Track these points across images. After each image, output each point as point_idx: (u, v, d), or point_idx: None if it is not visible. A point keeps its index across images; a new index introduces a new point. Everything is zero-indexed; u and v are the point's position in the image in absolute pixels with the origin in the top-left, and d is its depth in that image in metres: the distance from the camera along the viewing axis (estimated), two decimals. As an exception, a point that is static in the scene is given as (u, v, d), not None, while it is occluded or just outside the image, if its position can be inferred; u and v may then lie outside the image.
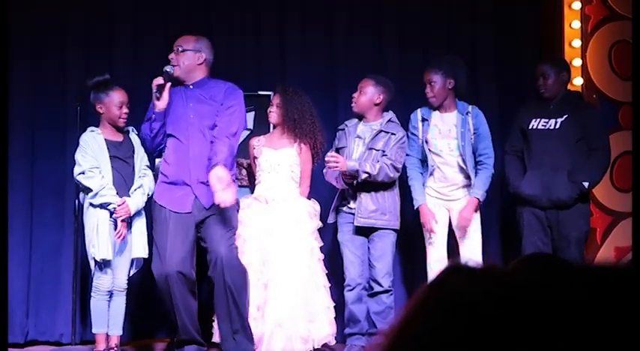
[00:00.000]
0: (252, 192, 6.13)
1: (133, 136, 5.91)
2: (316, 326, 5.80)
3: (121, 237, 5.66)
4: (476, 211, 6.08)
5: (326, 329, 5.85)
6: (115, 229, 5.67)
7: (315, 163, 6.13)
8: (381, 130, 5.99)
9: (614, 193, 6.74)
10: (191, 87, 5.70)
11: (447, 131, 6.11)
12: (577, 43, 6.78)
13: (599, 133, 6.16)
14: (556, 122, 6.09)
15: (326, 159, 5.88)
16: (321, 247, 5.96)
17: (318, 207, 6.04)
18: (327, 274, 5.94)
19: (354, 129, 6.06)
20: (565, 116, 6.08)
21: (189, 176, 5.57)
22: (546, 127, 6.09)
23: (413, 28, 6.92)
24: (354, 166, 5.84)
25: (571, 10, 6.82)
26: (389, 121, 6.04)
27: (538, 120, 6.13)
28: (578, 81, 6.76)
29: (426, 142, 6.12)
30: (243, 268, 5.60)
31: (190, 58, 5.69)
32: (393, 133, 5.99)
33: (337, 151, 6.06)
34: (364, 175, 5.85)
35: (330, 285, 5.95)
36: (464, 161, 6.03)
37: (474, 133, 6.10)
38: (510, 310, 0.73)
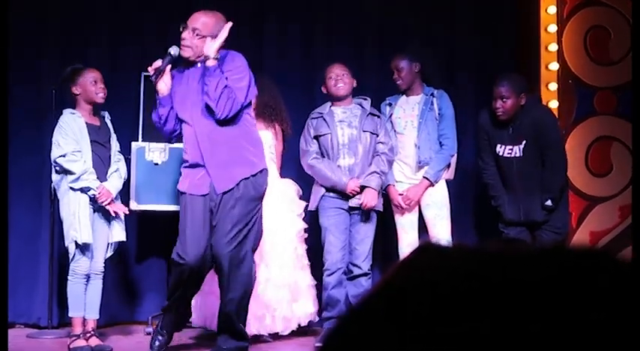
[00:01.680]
0: None
1: (108, 121, 5.90)
2: (300, 305, 5.95)
3: (117, 213, 5.71)
4: (427, 188, 6.16)
5: (309, 307, 6.00)
6: (94, 212, 5.67)
7: (284, 146, 6.28)
8: (370, 113, 6.06)
9: (589, 178, 6.79)
10: (198, 65, 5.32)
11: (410, 110, 6.22)
12: (553, 28, 6.82)
13: (553, 146, 5.98)
14: (519, 149, 5.96)
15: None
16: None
17: (298, 187, 6.22)
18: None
19: (332, 114, 6.08)
20: (524, 142, 5.94)
21: (202, 158, 5.28)
22: (511, 155, 5.99)
23: (391, 11, 6.93)
24: (377, 188, 6.00)
25: (547, -5, 6.85)
26: (370, 105, 6.12)
27: (503, 147, 6.01)
28: (553, 66, 6.79)
29: (392, 123, 6.20)
30: (247, 272, 5.27)
31: (205, 42, 5.26)
32: (377, 116, 6.10)
33: (316, 138, 6.08)
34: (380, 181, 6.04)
35: (309, 263, 6.08)
36: (417, 137, 6.13)
37: (439, 114, 6.18)
38: (474, 286, 0.74)
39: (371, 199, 5.94)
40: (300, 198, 6.20)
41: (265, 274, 5.80)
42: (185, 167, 5.39)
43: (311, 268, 6.13)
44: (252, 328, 5.73)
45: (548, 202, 5.95)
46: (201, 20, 5.28)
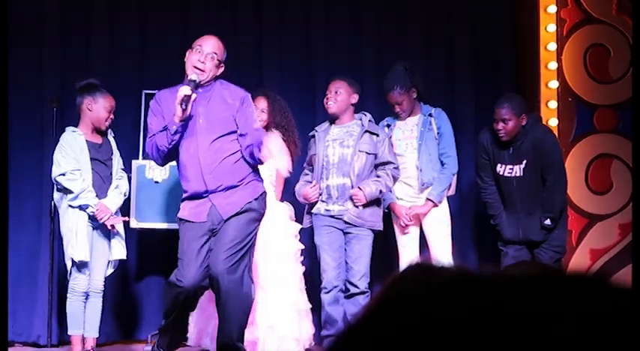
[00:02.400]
0: None
1: (111, 139, 5.91)
2: (302, 327, 5.88)
3: (116, 224, 5.72)
4: (428, 211, 6.13)
5: (309, 330, 5.93)
6: (94, 230, 5.67)
7: (292, 172, 6.14)
8: (367, 131, 5.96)
9: (589, 196, 6.79)
10: (200, 90, 5.21)
11: (409, 131, 6.19)
12: (552, 46, 6.83)
13: (553, 166, 5.99)
14: (519, 169, 5.99)
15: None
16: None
17: (292, 209, 6.12)
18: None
19: (325, 134, 6.03)
20: (524, 161, 5.96)
21: (205, 188, 5.18)
22: (512, 175, 6.02)
23: (390, 30, 6.96)
24: (373, 194, 5.87)
25: (547, 13, 6.86)
26: (369, 121, 6.04)
27: (503, 167, 6.03)
28: (553, 84, 6.80)
29: (391, 145, 6.17)
30: (245, 294, 5.20)
31: (218, 68, 5.25)
32: (376, 134, 5.97)
33: (311, 158, 6.07)
34: (380, 194, 5.92)
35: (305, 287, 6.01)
36: (419, 159, 6.11)
37: (438, 133, 6.17)
38: (464, 314, 0.74)
39: (361, 196, 5.83)
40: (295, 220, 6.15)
41: (262, 297, 5.72)
42: (186, 198, 5.27)
43: (307, 291, 6.08)
44: (258, 349, 5.69)
45: (547, 222, 5.94)
46: (218, 45, 5.23)
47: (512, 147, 5.96)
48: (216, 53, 5.20)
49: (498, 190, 6.09)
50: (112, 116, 5.82)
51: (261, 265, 5.76)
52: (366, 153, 5.90)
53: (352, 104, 6.01)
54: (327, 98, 5.98)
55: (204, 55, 5.18)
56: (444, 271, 0.80)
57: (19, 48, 6.53)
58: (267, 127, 5.95)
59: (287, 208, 6.09)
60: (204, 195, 5.18)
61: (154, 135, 5.21)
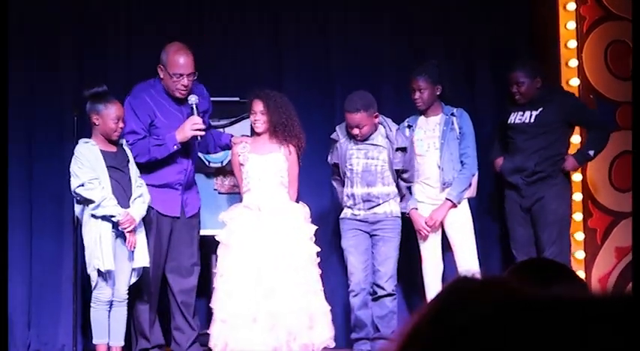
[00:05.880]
0: (241, 200, 6.04)
1: (125, 147, 5.89)
2: (316, 332, 5.76)
3: (133, 246, 5.66)
4: (448, 209, 6.15)
5: (325, 333, 5.81)
6: (116, 238, 5.67)
7: (300, 164, 6.08)
8: (398, 148, 6.00)
9: (613, 194, 6.73)
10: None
11: (431, 131, 6.20)
12: (572, 43, 6.79)
13: (587, 112, 6.38)
14: (531, 115, 6.20)
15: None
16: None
17: (308, 210, 6.01)
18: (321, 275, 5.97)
19: (347, 142, 6.02)
20: (540, 109, 6.19)
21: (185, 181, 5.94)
22: (522, 121, 6.22)
23: (408, 31, 6.93)
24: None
25: (566, 11, 6.82)
26: (396, 134, 6.03)
27: (516, 114, 6.26)
28: (574, 82, 6.76)
29: (412, 144, 6.17)
30: None
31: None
32: (403, 149, 6.02)
33: (335, 165, 6.08)
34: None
35: (322, 288, 5.91)
36: (440, 158, 6.11)
37: (460, 133, 6.17)
38: (507, 332, 0.73)
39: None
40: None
41: (273, 302, 5.64)
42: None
43: (326, 293, 6.04)
44: None
45: (591, 152, 6.19)
46: (190, 62, 5.79)
47: (530, 101, 6.22)
48: (192, 72, 5.75)
49: (508, 145, 6.34)
50: (120, 125, 5.75)
51: (274, 269, 5.68)
52: (397, 170, 6.04)
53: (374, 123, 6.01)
54: (354, 134, 5.96)
55: (185, 78, 5.74)
56: (481, 290, 0.78)
57: (36, 57, 6.54)
58: (268, 129, 5.92)
59: (302, 209, 5.99)
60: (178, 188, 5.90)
61: (143, 137, 5.80)
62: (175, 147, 5.76)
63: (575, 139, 6.63)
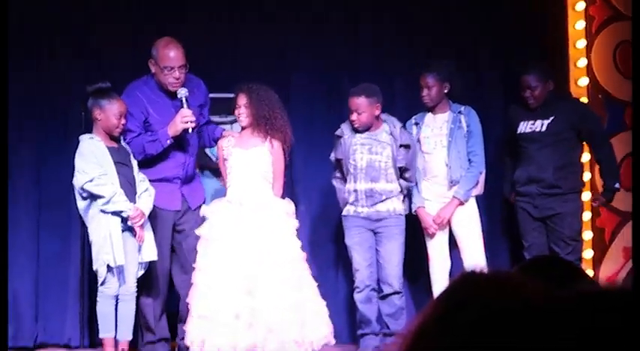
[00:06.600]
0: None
1: (124, 144, 5.89)
2: (310, 329, 5.64)
3: (142, 240, 5.68)
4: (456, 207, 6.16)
5: (322, 330, 5.70)
6: (123, 231, 5.67)
7: (287, 159, 6.03)
8: (401, 145, 6.01)
9: (622, 193, 6.70)
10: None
11: (438, 129, 6.20)
12: (581, 43, 6.79)
13: (595, 123, 6.31)
14: (542, 124, 6.16)
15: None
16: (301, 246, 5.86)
17: (293, 206, 5.92)
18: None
19: (351, 138, 6.04)
20: (552, 117, 6.14)
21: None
22: (533, 130, 6.17)
23: (417, 29, 6.94)
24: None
25: (575, 11, 6.83)
26: (400, 131, 6.04)
27: (526, 123, 6.21)
28: (583, 81, 6.76)
29: (419, 141, 6.17)
30: None
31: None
32: (407, 146, 6.03)
33: (337, 161, 6.08)
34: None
35: (317, 284, 5.83)
36: (448, 156, 6.12)
37: (467, 131, 6.18)
38: (515, 322, 0.73)
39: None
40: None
41: (260, 299, 5.54)
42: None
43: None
44: None
45: (617, 185, 6.18)
46: (180, 55, 5.84)
47: (540, 108, 6.18)
48: (183, 64, 5.80)
49: (518, 151, 6.29)
50: (123, 121, 5.75)
51: (256, 265, 5.58)
52: (401, 168, 6.04)
53: (376, 116, 6.03)
54: (352, 119, 6.00)
55: (177, 71, 5.79)
56: (487, 284, 0.79)
57: (41, 56, 6.56)
58: (252, 123, 5.87)
59: (285, 205, 5.88)
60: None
61: (138, 135, 5.86)
62: (169, 141, 5.80)
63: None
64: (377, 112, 6.01)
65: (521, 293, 0.76)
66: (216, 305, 5.55)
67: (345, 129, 6.08)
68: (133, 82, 5.99)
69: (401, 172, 6.05)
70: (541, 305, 0.75)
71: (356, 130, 6.02)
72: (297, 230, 5.85)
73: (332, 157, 6.14)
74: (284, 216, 5.80)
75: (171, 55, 5.79)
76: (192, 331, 5.61)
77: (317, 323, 5.69)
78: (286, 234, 5.76)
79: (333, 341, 5.80)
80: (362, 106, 5.95)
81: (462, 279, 0.80)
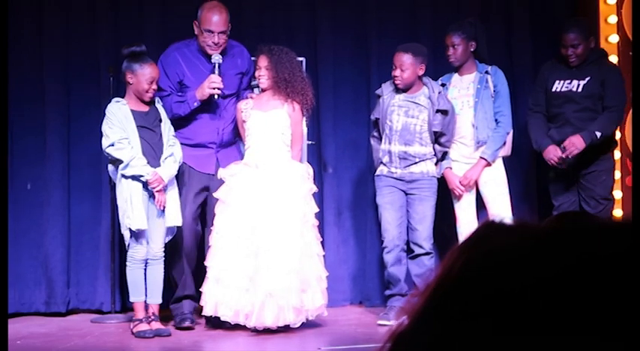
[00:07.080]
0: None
1: (159, 106, 5.91)
2: (309, 296, 5.61)
3: (162, 206, 5.69)
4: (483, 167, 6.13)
5: (318, 300, 5.65)
6: (150, 198, 5.70)
7: (307, 121, 6.01)
8: (438, 110, 6.00)
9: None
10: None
11: (465, 89, 6.16)
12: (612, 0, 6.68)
13: (616, 94, 6.07)
14: (578, 85, 6.06)
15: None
16: (316, 214, 5.83)
17: (311, 170, 5.91)
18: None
19: (390, 98, 6.03)
20: (587, 78, 6.05)
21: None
22: (569, 89, 6.08)
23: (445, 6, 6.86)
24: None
25: (605, -33, 6.71)
26: (438, 96, 6.02)
27: (562, 82, 6.11)
28: (614, 38, 6.66)
29: (454, 110, 6.14)
30: None
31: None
32: (444, 112, 6.00)
33: (376, 120, 6.08)
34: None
35: (324, 253, 5.83)
36: (475, 117, 6.07)
37: (494, 91, 6.12)
38: (542, 267, 0.72)
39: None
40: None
41: (263, 261, 5.51)
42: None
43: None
44: (252, 318, 5.50)
45: (598, 133, 5.94)
46: (223, 20, 5.85)
47: (577, 67, 6.07)
48: (224, 30, 5.79)
49: (550, 110, 6.15)
50: (154, 86, 5.77)
51: (263, 227, 5.56)
52: (435, 133, 6.03)
53: (419, 76, 6.01)
54: (394, 75, 5.97)
55: (216, 36, 5.78)
56: (513, 230, 0.77)
57: (72, 19, 6.55)
58: (273, 85, 5.82)
59: (303, 168, 5.86)
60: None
61: (168, 95, 5.91)
62: (196, 104, 5.84)
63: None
64: (420, 73, 5.99)
65: (543, 240, 0.75)
66: (228, 268, 5.58)
67: (385, 89, 6.08)
68: (175, 42, 6.00)
69: (436, 136, 6.04)
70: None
71: (396, 90, 6.01)
72: (314, 194, 5.86)
73: (372, 116, 6.15)
74: (299, 180, 5.76)
75: (213, 19, 5.81)
76: (207, 292, 5.66)
77: (315, 292, 5.66)
78: (299, 198, 5.70)
79: (326, 313, 5.77)
80: (406, 63, 5.93)
81: (483, 227, 0.79)
